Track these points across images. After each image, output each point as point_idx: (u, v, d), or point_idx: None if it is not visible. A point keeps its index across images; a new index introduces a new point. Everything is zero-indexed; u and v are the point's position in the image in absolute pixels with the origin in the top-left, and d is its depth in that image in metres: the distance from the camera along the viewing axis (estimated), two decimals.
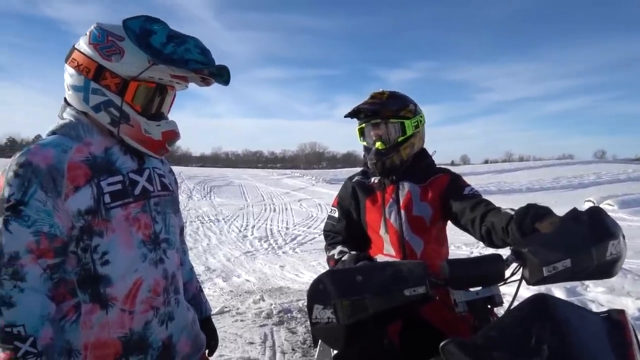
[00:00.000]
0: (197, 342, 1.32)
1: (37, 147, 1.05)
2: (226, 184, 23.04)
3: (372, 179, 1.73)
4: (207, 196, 17.95)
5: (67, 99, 1.17)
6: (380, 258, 1.62)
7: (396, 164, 1.66)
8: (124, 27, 1.10)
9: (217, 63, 1.16)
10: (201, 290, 1.51)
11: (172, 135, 1.20)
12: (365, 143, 1.70)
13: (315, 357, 2.13)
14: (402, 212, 1.62)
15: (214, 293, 5.22)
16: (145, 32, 1.10)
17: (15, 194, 1.00)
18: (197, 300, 1.47)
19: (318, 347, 2.18)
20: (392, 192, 1.66)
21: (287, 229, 10.69)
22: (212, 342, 1.47)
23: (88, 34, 1.14)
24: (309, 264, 6.92)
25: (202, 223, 11.23)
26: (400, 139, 1.64)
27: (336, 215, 1.76)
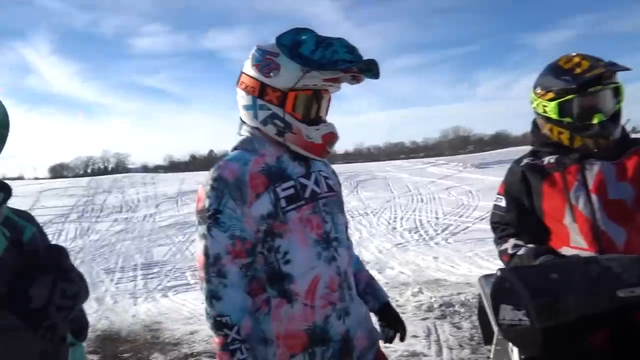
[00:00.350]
0: (371, 336, 1.34)
1: (224, 162, 1.19)
2: (371, 178, 23.37)
3: (547, 159, 1.49)
4: (353, 191, 18.48)
5: (242, 117, 1.29)
6: (566, 251, 1.40)
7: (616, 139, 1.43)
8: (276, 43, 1.20)
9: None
10: (372, 278, 1.52)
11: (331, 137, 1.26)
12: (568, 119, 1.43)
13: (492, 356, 1.99)
14: (594, 196, 1.37)
15: None
16: (295, 43, 1.18)
17: (213, 204, 1.14)
18: (371, 287, 1.48)
19: (493, 346, 2.03)
20: (576, 173, 1.42)
21: (437, 219, 10.32)
22: (400, 328, 1.45)
23: (250, 56, 1.25)
24: (464, 255, 6.58)
25: (352, 217, 11.61)
26: (617, 107, 1.42)
27: (503, 204, 1.58)
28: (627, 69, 1.37)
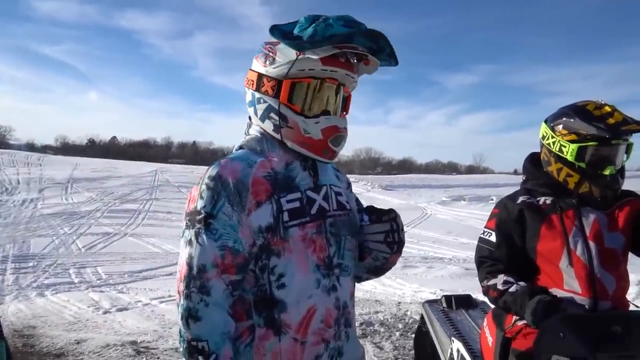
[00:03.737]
0: None
1: (226, 161, 1.03)
2: None
3: (542, 199, 1.49)
4: None
5: (249, 116, 1.15)
6: (558, 293, 1.38)
7: (618, 193, 1.47)
8: (270, 30, 1.05)
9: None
10: None
11: (334, 131, 1.06)
12: (582, 164, 1.43)
13: None
14: (592, 243, 1.39)
15: None
16: (289, 27, 1.05)
17: (207, 207, 0.98)
18: None
19: None
20: (573, 218, 1.43)
21: None
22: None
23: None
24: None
25: None
26: (624, 163, 1.46)
27: (493, 239, 1.52)
28: None
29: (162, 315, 4.76)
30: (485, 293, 1.49)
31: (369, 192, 25.01)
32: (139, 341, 3.86)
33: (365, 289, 5.92)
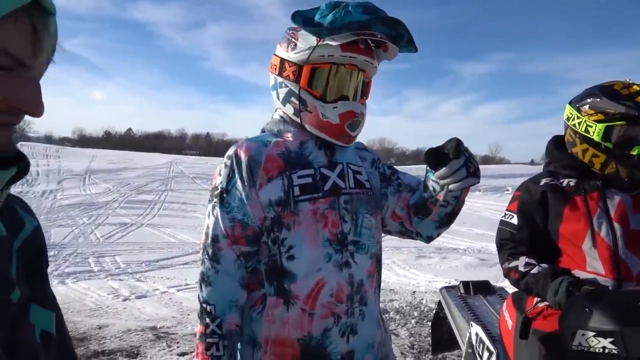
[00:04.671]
0: None
1: (243, 141, 1.10)
2: None
3: (566, 181, 1.47)
4: None
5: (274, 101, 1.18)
6: (581, 275, 1.38)
7: None
8: (292, 15, 1.08)
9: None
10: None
11: (350, 115, 1.08)
12: (608, 144, 1.40)
13: None
14: (617, 225, 1.37)
15: None
16: (312, 13, 1.08)
17: (222, 183, 1.07)
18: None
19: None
20: (598, 199, 1.41)
21: None
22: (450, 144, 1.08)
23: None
24: (383, 263, 6.69)
25: None
26: None
27: (515, 221, 1.51)
28: None
29: (179, 302, 4.84)
30: (506, 275, 1.48)
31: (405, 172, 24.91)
32: (158, 327, 3.94)
33: None
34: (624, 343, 0.77)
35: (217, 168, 1.11)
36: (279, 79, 1.12)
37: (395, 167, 1.31)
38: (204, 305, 1.04)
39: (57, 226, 10.31)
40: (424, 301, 4.67)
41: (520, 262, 1.43)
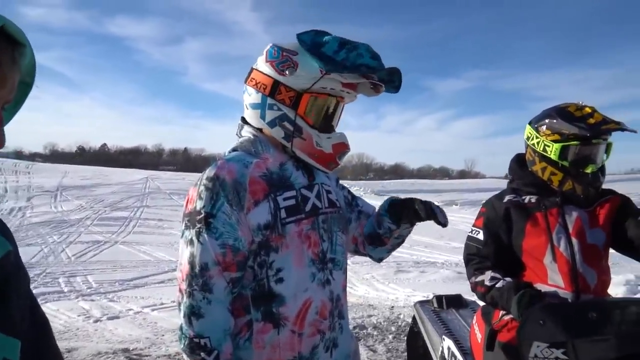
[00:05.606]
0: None
1: (223, 162, 1.06)
2: None
3: (527, 198, 1.55)
4: None
5: (245, 117, 1.18)
6: (542, 288, 1.45)
7: (599, 190, 1.53)
8: (297, 39, 1.09)
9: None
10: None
11: (342, 147, 1.15)
12: (565, 163, 1.49)
13: None
14: (574, 240, 1.46)
15: None
16: (316, 44, 1.09)
17: (206, 206, 1.01)
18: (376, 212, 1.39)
19: None
20: (557, 215, 1.49)
21: None
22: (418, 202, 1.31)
23: (265, 53, 1.14)
24: (362, 277, 6.75)
25: None
26: (604, 162, 1.53)
27: (481, 237, 1.59)
28: (634, 131, 1.48)
29: (154, 322, 4.72)
30: (473, 289, 1.54)
31: (361, 197, 25.03)
32: (131, 349, 3.83)
33: (359, 294, 5.93)
34: (575, 354, 0.82)
35: (191, 191, 1.05)
36: (270, 100, 1.10)
37: (358, 189, 1.41)
38: (196, 340, 0.98)
39: (26, 245, 9.94)
40: (401, 316, 4.70)
41: (486, 277, 1.49)
